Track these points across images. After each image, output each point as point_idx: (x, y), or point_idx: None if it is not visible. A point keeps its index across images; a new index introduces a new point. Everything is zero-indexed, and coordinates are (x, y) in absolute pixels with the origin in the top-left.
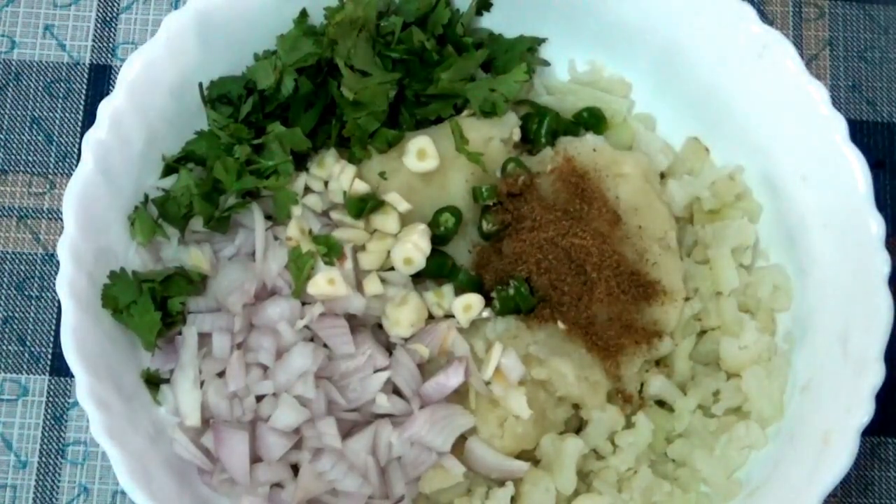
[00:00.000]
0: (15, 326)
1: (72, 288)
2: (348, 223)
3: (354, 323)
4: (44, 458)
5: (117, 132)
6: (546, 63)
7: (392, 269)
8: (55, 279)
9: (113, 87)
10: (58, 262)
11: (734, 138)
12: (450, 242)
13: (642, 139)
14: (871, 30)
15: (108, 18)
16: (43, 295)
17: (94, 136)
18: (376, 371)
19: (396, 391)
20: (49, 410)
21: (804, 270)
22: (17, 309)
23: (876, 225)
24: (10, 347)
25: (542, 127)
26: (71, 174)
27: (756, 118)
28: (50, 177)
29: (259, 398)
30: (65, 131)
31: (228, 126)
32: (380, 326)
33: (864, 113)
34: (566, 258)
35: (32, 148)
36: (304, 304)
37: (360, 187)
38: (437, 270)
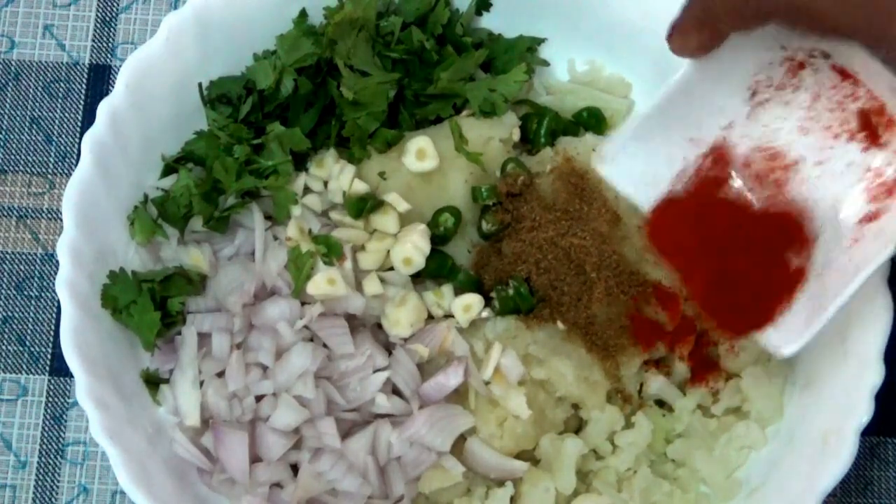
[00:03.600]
0: (14, 326)
1: (71, 288)
2: (348, 223)
3: (354, 323)
4: (43, 458)
5: (117, 132)
6: (546, 63)
7: (391, 269)
8: (55, 279)
9: (112, 86)
10: (57, 262)
11: None
12: (449, 242)
13: None
14: None
15: (107, 18)
16: (42, 295)
17: (94, 135)
18: (376, 371)
19: (396, 391)
20: (48, 410)
21: None
22: (17, 309)
23: None
24: (9, 347)
25: (541, 127)
26: (70, 174)
27: None
28: (49, 177)
29: (259, 398)
30: (64, 131)
31: (228, 126)
32: (379, 326)
33: None
34: (566, 258)
35: (32, 148)
36: (303, 304)
37: (360, 187)
38: (436, 270)
